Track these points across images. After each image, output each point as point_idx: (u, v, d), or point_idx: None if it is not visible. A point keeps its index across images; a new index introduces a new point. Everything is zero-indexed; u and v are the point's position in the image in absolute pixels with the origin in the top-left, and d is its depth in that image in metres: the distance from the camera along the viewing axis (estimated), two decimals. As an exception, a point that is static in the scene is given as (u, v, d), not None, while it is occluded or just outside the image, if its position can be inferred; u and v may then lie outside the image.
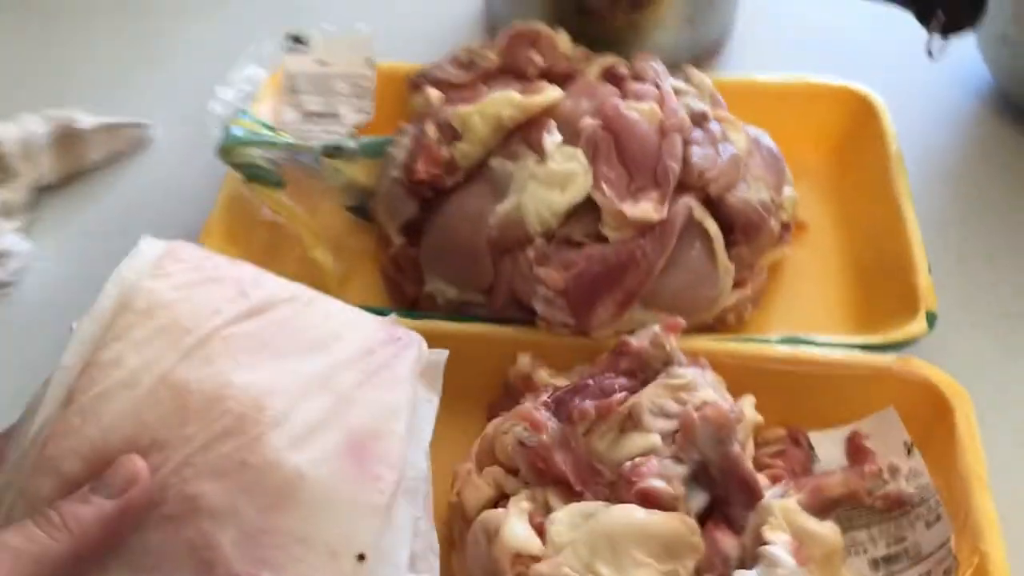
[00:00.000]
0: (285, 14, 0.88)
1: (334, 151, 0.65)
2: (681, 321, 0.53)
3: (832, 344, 0.57)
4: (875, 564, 0.51)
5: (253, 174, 0.64)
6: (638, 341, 0.52)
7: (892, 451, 0.53)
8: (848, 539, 0.49)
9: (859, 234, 0.67)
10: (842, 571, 0.47)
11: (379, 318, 0.48)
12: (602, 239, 0.57)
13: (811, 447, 0.55)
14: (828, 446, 0.55)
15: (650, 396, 0.50)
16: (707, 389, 0.51)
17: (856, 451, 0.54)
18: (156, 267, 0.43)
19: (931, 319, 0.58)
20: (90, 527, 0.37)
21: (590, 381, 0.51)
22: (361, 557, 0.40)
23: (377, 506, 0.41)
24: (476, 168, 0.61)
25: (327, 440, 0.41)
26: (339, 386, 0.43)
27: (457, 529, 0.51)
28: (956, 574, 0.48)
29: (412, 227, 0.62)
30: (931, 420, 0.54)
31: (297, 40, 0.73)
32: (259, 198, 0.65)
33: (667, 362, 0.52)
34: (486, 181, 0.60)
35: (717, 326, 0.61)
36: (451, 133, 0.60)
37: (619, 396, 0.50)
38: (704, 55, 0.81)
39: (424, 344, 0.49)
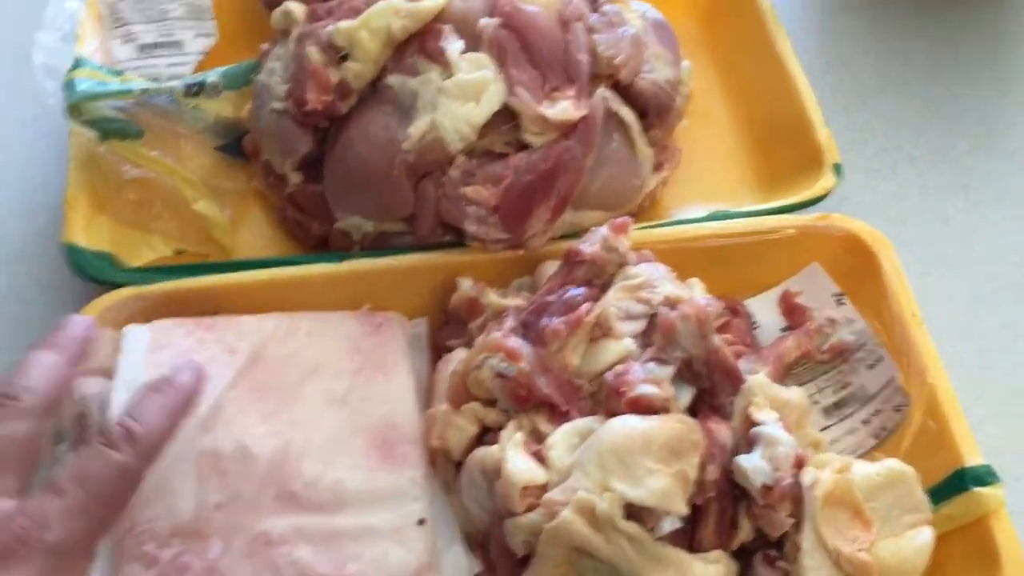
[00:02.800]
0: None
1: (196, 87, 0.58)
2: (628, 219, 0.52)
3: (755, 212, 0.59)
4: (827, 412, 0.55)
5: (107, 129, 0.57)
6: (590, 247, 0.51)
7: (823, 304, 0.57)
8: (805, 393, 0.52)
9: (748, 97, 0.68)
10: (808, 427, 0.51)
11: (354, 313, 0.53)
12: (524, 146, 0.55)
13: (749, 314, 0.58)
14: (763, 310, 0.58)
15: (614, 301, 0.50)
16: (665, 283, 0.51)
17: (791, 309, 0.58)
18: (149, 363, 0.48)
19: (838, 170, 0.60)
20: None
21: (551, 297, 0.50)
22: (421, 522, 0.47)
23: (415, 478, 0.48)
24: (370, 89, 0.56)
25: (352, 446, 0.48)
26: (344, 396, 0.50)
27: (445, 473, 0.50)
28: (908, 409, 0.52)
29: (309, 162, 0.57)
30: (858, 269, 0.57)
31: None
32: (121, 154, 0.57)
33: (621, 264, 0.52)
34: (386, 101, 0.55)
35: (635, 213, 0.60)
36: (336, 53, 0.55)
37: (585, 307, 0.49)
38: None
39: (405, 320, 0.53)
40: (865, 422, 0.53)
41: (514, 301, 0.53)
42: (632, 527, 0.43)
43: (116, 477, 0.40)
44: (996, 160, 0.69)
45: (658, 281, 0.51)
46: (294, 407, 0.48)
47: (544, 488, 0.45)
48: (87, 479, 0.39)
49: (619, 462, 0.44)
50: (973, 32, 0.75)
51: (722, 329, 0.54)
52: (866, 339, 0.54)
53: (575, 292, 0.50)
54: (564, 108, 0.54)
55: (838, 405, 0.55)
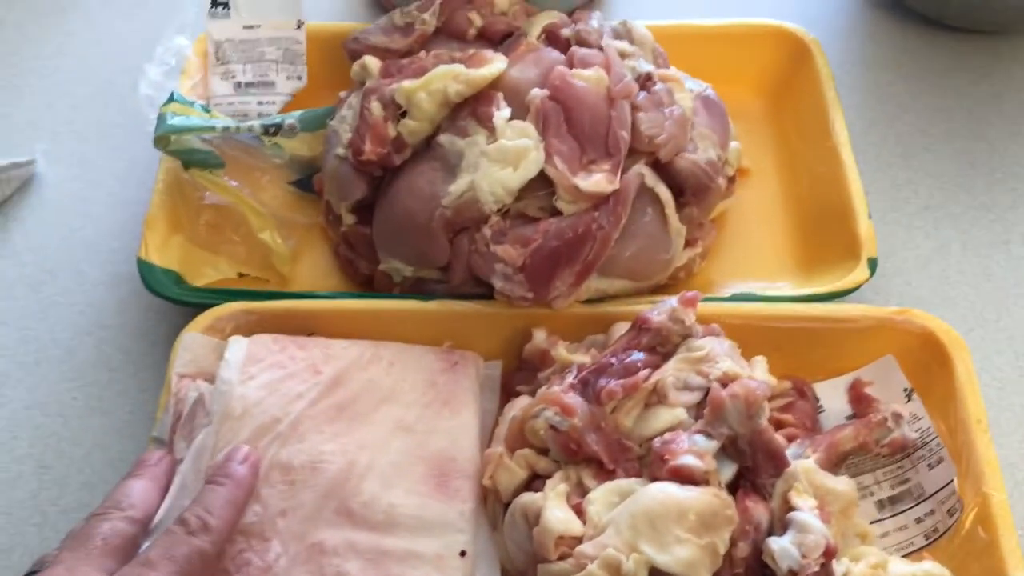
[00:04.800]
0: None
1: (274, 129, 0.64)
2: (697, 294, 0.54)
3: (777, 298, 0.59)
4: (881, 505, 0.55)
5: (192, 159, 0.63)
6: (657, 317, 0.53)
7: (892, 397, 0.56)
8: (855, 484, 0.52)
9: (799, 179, 0.68)
10: (855, 517, 0.51)
11: (435, 348, 0.57)
12: (557, 212, 0.57)
13: (816, 398, 0.58)
14: (832, 395, 0.58)
15: (673, 371, 0.52)
16: (726, 359, 0.52)
17: (859, 399, 0.57)
18: (243, 373, 0.53)
19: (872, 266, 0.60)
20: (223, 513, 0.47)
21: (613, 359, 0.52)
22: (463, 554, 0.50)
23: (463, 512, 0.51)
24: (424, 144, 0.60)
25: (411, 474, 0.51)
26: (412, 425, 0.53)
27: (492, 511, 0.53)
28: (961, 515, 0.51)
29: (362, 206, 0.61)
30: (930, 367, 0.56)
31: (218, 3, 0.70)
32: (200, 182, 0.63)
33: (686, 335, 0.53)
34: (436, 158, 0.59)
35: (668, 283, 0.62)
36: (396, 110, 0.59)
37: (643, 373, 0.51)
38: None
39: (480, 360, 0.58)
40: (918, 520, 0.53)
41: (581, 357, 0.55)
42: (654, 591, 0.44)
43: (197, 558, 0.45)
44: None
45: (720, 356, 0.52)
46: (364, 430, 0.52)
47: (579, 540, 0.47)
48: (175, 558, 0.44)
49: (651, 526, 0.45)
50: (1015, 87, 0.76)
51: (784, 409, 0.56)
52: (930, 438, 0.54)
53: (636, 357, 0.52)
54: (597, 181, 0.56)
55: (893, 500, 0.54)
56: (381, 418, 0.53)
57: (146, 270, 0.60)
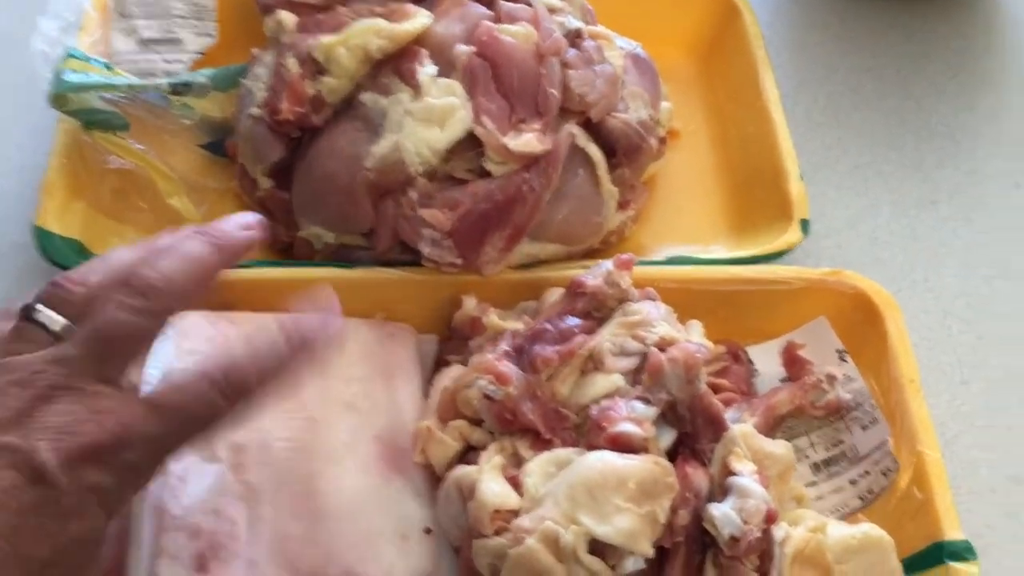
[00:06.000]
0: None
1: (183, 87, 0.60)
2: (632, 256, 0.52)
3: (711, 260, 0.59)
4: (816, 468, 0.54)
5: (93, 120, 0.58)
6: (592, 281, 0.52)
7: (826, 359, 0.56)
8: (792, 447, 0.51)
9: (730, 140, 0.67)
10: (792, 481, 0.50)
11: (367, 320, 0.54)
12: (485, 174, 0.55)
13: (750, 361, 0.57)
14: (765, 358, 0.57)
15: (609, 336, 0.50)
16: (663, 324, 0.51)
17: (792, 361, 0.57)
18: (181, 351, 0.49)
19: (805, 227, 0.60)
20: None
21: (548, 325, 0.51)
22: (427, 531, 0.49)
23: (419, 488, 0.50)
24: (344, 103, 0.57)
25: (360, 452, 0.50)
26: (352, 401, 0.51)
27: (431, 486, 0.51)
28: (896, 475, 0.51)
29: (280, 169, 0.58)
30: (863, 328, 0.56)
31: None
32: (103, 145, 0.59)
33: (622, 299, 0.52)
34: (357, 117, 0.55)
35: (600, 248, 0.60)
36: (314, 67, 0.56)
37: (579, 339, 0.50)
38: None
39: (414, 332, 0.55)
40: (852, 482, 0.53)
41: (514, 324, 0.53)
42: (595, 562, 0.43)
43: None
44: (962, 175, 0.69)
45: (656, 321, 0.51)
46: (308, 407, 0.50)
47: (515, 513, 0.45)
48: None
49: (590, 496, 0.44)
50: (941, 46, 0.76)
51: (720, 374, 0.55)
52: (864, 399, 0.54)
53: (572, 322, 0.51)
54: (527, 140, 0.54)
55: (828, 462, 0.54)
56: (320, 394, 0.50)
57: (44, 239, 0.56)
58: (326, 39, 0.56)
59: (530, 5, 0.58)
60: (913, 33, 0.76)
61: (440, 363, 0.55)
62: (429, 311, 0.56)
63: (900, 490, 0.51)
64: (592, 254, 0.59)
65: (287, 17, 0.60)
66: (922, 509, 0.50)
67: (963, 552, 0.48)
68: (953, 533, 0.48)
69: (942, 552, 0.48)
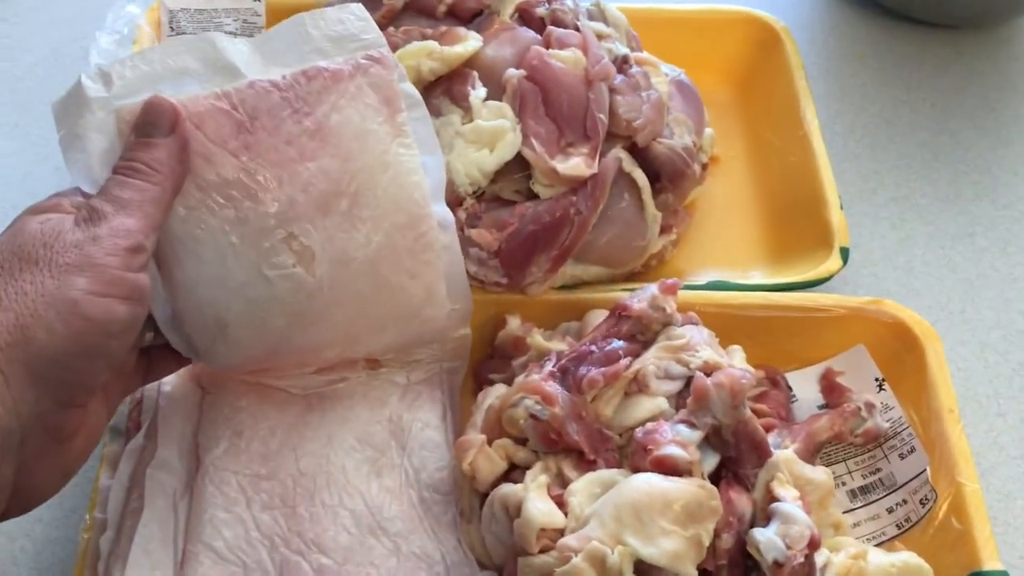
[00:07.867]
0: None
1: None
2: (677, 281, 0.53)
3: (752, 287, 0.59)
4: (853, 494, 0.55)
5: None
6: (637, 304, 0.52)
7: (864, 387, 0.56)
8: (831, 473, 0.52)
9: (770, 168, 0.68)
10: (831, 507, 0.51)
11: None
12: (533, 196, 0.56)
13: (789, 387, 0.58)
14: (804, 384, 0.58)
15: (654, 359, 0.51)
16: (706, 348, 0.51)
17: (831, 388, 0.57)
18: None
19: (844, 255, 0.60)
20: (170, 163, 0.42)
21: (593, 347, 0.51)
22: None
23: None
24: (395, 125, 0.58)
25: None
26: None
27: (468, 500, 0.51)
28: (934, 504, 0.51)
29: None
30: (902, 357, 0.56)
31: (173, -31, 0.67)
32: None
33: (666, 323, 0.52)
34: (408, 138, 0.57)
35: (641, 271, 0.61)
36: (367, 88, 0.57)
37: (624, 362, 0.50)
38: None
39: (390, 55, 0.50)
40: (890, 510, 0.53)
41: (558, 345, 0.54)
42: (639, 584, 0.43)
43: None
44: (999, 208, 0.70)
45: (700, 345, 0.51)
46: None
47: (561, 532, 0.46)
48: None
49: (636, 518, 0.44)
50: (976, 82, 0.76)
51: (758, 399, 0.55)
52: (902, 428, 0.54)
53: (617, 345, 0.51)
54: (575, 164, 0.55)
55: (865, 490, 0.54)
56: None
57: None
58: (379, 61, 0.56)
59: (579, 31, 0.59)
60: (949, 67, 0.77)
61: (482, 381, 0.56)
62: (473, 329, 0.56)
63: (938, 520, 0.51)
64: (633, 277, 0.60)
65: (340, 37, 0.60)
66: (960, 539, 0.50)
67: (1000, 583, 0.47)
68: (992, 564, 0.48)
69: (980, 582, 0.48)
